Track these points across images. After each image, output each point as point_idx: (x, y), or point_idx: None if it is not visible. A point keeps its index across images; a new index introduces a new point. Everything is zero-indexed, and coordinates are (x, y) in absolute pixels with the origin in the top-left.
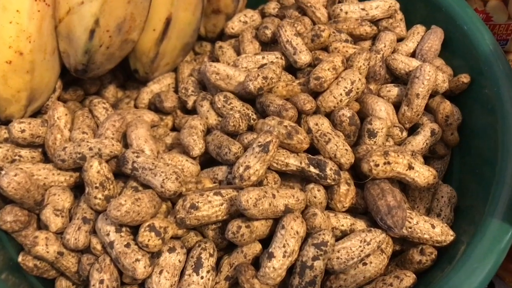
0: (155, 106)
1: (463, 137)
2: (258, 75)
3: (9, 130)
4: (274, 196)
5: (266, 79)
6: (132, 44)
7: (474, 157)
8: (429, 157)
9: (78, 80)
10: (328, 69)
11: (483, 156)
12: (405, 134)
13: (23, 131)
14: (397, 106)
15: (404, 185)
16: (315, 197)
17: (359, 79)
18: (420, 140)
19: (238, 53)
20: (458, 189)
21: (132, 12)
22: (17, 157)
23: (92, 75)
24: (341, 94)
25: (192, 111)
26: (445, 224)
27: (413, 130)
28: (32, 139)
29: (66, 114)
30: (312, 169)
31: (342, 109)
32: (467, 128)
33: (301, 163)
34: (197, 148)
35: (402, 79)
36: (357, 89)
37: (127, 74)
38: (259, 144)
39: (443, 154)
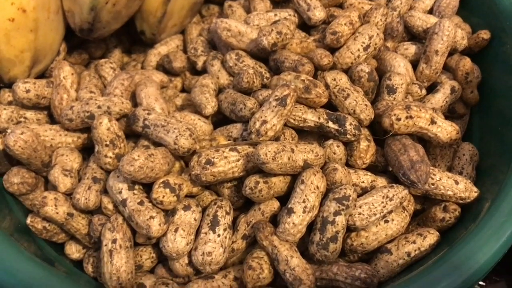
0: (163, 68)
1: (483, 96)
2: (272, 30)
3: (14, 90)
4: (293, 150)
5: (280, 34)
6: (139, 2)
7: (494, 116)
8: (448, 116)
9: (83, 44)
10: (345, 24)
11: (504, 116)
12: (424, 91)
13: (28, 91)
14: (414, 64)
15: (424, 142)
16: (334, 153)
17: (377, 34)
18: (440, 98)
19: (249, 12)
20: (478, 148)
21: None
22: (22, 119)
23: (98, 35)
24: (358, 50)
25: (202, 72)
26: (469, 181)
27: (431, 89)
28: (38, 99)
29: (72, 74)
30: (331, 124)
31: (360, 64)
32: (487, 87)
33: (319, 118)
34: (210, 106)
35: (419, 37)
36: (375, 44)
37: (133, 39)
38: (276, 97)
39: (462, 113)
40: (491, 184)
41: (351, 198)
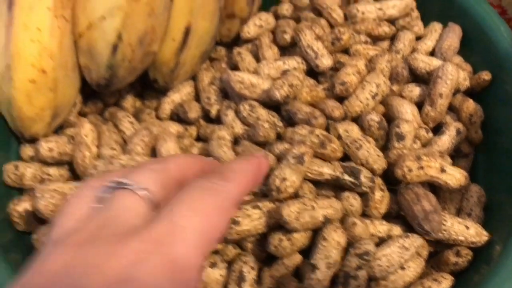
0: (177, 116)
1: (486, 134)
2: (284, 83)
3: (37, 150)
4: (313, 208)
5: (291, 86)
6: (153, 56)
7: (499, 153)
8: (453, 155)
9: (96, 92)
10: (353, 74)
11: (508, 152)
12: (431, 134)
13: (51, 150)
14: (419, 105)
15: (433, 186)
16: (351, 206)
17: (384, 82)
18: (446, 140)
19: (257, 58)
20: (484, 187)
21: (153, 24)
22: (46, 176)
23: (114, 89)
24: (367, 98)
25: (216, 120)
26: (479, 225)
27: (436, 128)
28: (60, 157)
29: (92, 131)
30: (346, 177)
31: (369, 113)
32: (490, 125)
33: (335, 171)
34: (228, 160)
35: (422, 78)
36: (383, 92)
37: (144, 83)
38: (294, 155)
39: (468, 153)
40: (499, 222)
41: (371, 253)
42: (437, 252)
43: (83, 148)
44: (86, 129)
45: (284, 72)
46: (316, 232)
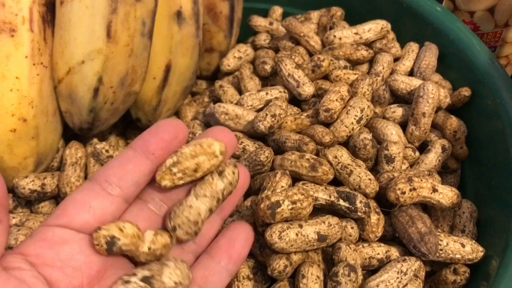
0: None
1: (471, 148)
2: (266, 114)
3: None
4: (301, 226)
5: (274, 116)
6: (135, 96)
7: (485, 167)
8: (441, 172)
9: (78, 135)
10: (336, 100)
11: (495, 165)
12: (417, 154)
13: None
14: (402, 125)
15: (425, 204)
16: (350, 236)
17: (368, 106)
18: (433, 158)
19: (239, 90)
20: (474, 201)
21: (133, 64)
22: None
23: (97, 132)
24: (352, 123)
25: None
26: (474, 241)
27: (421, 146)
28: (42, 189)
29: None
30: (341, 202)
31: (361, 133)
32: (474, 139)
33: (330, 196)
34: None
35: (404, 98)
36: (367, 116)
37: (126, 122)
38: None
39: (455, 168)
40: (492, 236)
41: (339, 274)
42: (434, 271)
43: (68, 168)
44: (72, 150)
45: (267, 103)
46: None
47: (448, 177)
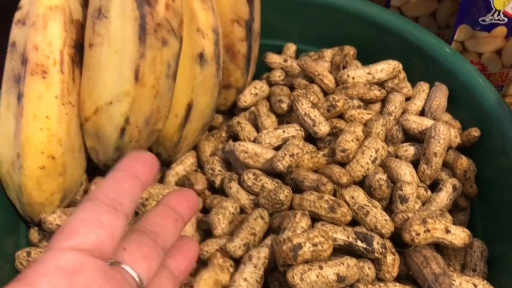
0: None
1: (480, 186)
2: (285, 154)
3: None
4: (321, 267)
5: (292, 156)
6: (158, 133)
7: (494, 205)
8: (451, 209)
9: (98, 168)
10: (352, 140)
11: (504, 203)
12: (429, 193)
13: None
14: (414, 163)
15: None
16: (367, 276)
17: (382, 146)
18: (444, 197)
19: (256, 126)
20: (484, 238)
21: (158, 104)
22: None
23: None
24: (367, 163)
25: (220, 190)
26: (485, 281)
27: (432, 184)
28: None
29: None
30: (359, 243)
31: (376, 173)
32: (483, 177)
33: (348, 237)
34: (220, 227)
35: (415, 137)
36: (381, 156)
37: None
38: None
39: (465, 206)
40: (503, 275)
41: None
42: None
43: None
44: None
45: (284, 141)
46: None
47: (458, 214)
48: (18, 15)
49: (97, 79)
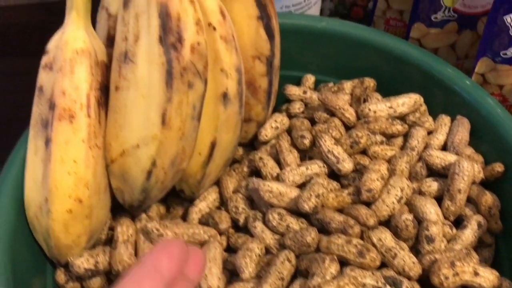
0: (206, 225)
1: (505, 222)
2: (311, 195)
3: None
4: None
5: (318, 197)
6: (182, 172)
7: None
8: (476, 246)
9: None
10: (377, 179)
11: None
12: (454, 230)
13: (85, 263)
14: (437, 198)
15: None
16: None
17: (408, 185)
18: (469, 234)
19: (277, 161)
20: (510, 276)
21: (184, 145)
22: None
23: (145, 207)
24: (393, 203)
25: (243, 228)
26: None
27: (456, 220)
28: (96, 267)
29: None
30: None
31: (403, 214)
32: (507, 213)
33: (377, 282)
34: (247, 271)
35: (439, 173)
36: (407, 194)
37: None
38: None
39: (489, 243)
40: None
41: None
42: None
43: (120, 245)
44: (123, 227)
45: (309, 180)
46: None
47: (483, 251)
48: (45, 59)
49: (123, 122)
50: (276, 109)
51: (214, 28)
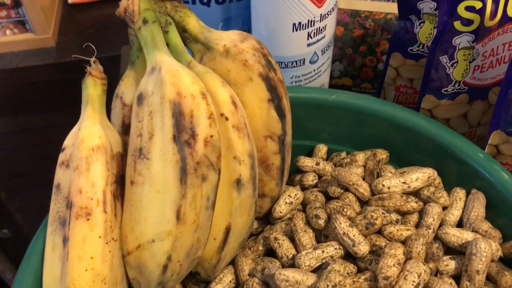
0: None
1: None
2: (328, 285)
3: None
4: None
5: (335, 286)
6: (197, 260)
7: None
8: None
9: None
10: (394, 265)
11: None
12: None
13: None
14: (455, 278)
15: None
16: None
17: (424, 270)
18: None
19: (292, 239)
20: None
21: (198, 236)
22: None
23: None
24: None
25: None
26: None
27: None
28: None
29: None
30: None
31: None
32: None
33: None
34: None
35: (455, 250)
36: (424, 280)
37: None
38: None
39: None
40: None
41: None
42: None
43: None
44: None
45: (324, 262)
46: None
47: None
48: (62, 157)
49: (139, 216)
50: (289, 179)
51: (227, 118)
